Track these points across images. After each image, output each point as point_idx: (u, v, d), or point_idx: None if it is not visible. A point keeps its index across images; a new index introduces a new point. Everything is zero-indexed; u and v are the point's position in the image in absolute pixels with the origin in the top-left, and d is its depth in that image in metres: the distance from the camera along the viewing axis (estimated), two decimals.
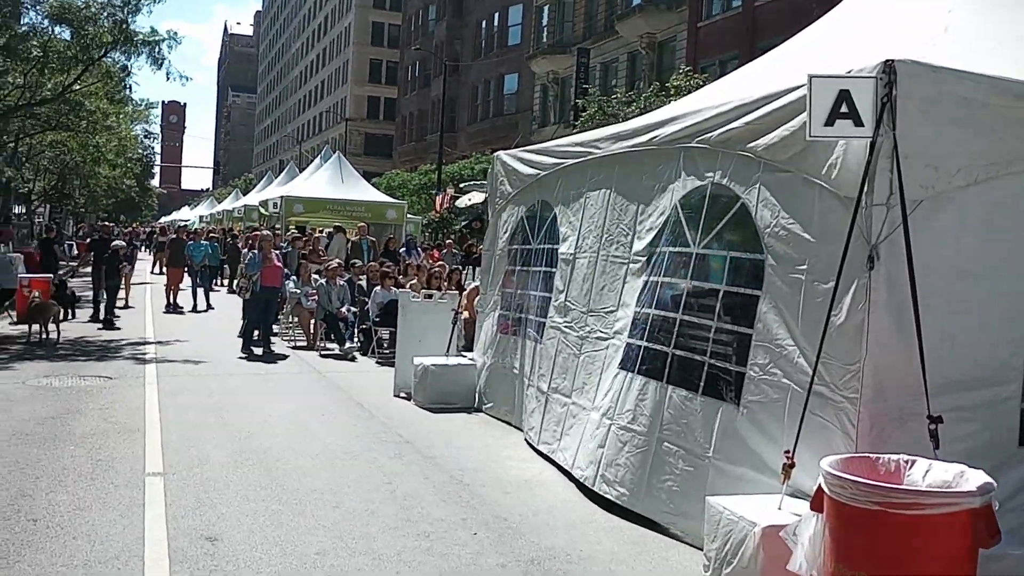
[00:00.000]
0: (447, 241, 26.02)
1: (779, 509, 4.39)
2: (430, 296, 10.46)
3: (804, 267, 4.72)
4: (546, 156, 8.32)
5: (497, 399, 8.62)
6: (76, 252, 31.59)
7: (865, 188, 4.32)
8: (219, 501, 5.62)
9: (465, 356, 9.83)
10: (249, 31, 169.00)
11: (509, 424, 8.17)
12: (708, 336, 5.26)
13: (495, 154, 9.63)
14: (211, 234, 23.15)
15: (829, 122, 4.31)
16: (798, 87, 4.65)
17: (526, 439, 7.57)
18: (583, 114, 28.75)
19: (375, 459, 6.86)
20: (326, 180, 24.76)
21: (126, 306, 16.63)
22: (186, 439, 7.20)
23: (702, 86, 22.92)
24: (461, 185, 39.54)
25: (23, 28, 15.13)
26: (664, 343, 5.58)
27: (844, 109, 4.29)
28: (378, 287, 12.86)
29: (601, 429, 6.03)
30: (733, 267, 5.22)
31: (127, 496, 5.65)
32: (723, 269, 5.26)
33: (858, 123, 4.31)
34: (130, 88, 19.63)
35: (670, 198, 5.89)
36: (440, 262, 16.97)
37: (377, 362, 12.20)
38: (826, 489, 3.73)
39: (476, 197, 37.35)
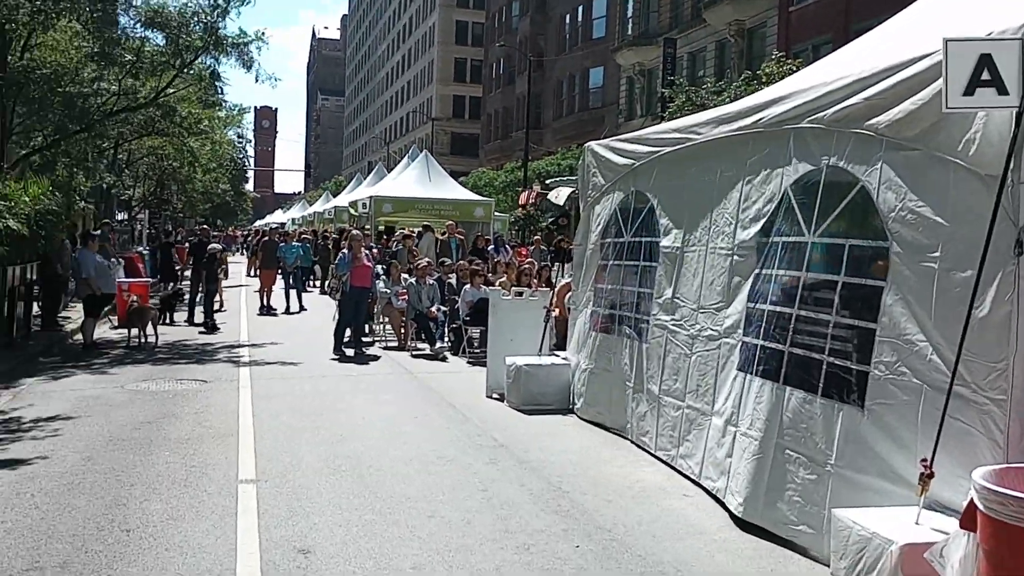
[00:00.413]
0: (535, 238, 25.82)
1: (917, 524, 3.95)
2: (520, 294, 10.19)
3: (937, 254, 4.24)
4: (641, 145, 7.94)
5: (593, 400, 8.28)
6: (176, 257, 32.73)
7: (1011, 164, 3.83)
8: (312, 510, 5.48)
9: (558, 355, 9.54)
10: (336, 35, 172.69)
11: (606, 427, 7.83)
12: (826, 332, 4.81)
13: (586, 145, 9.29)
14: (303, 236, 23.52)
15: (968, 91, 3.84)
16: (928, 55, 4.18)
17: (635, 443, 7.22)
18: (671, 105, 28.09)
19: (470, 464, 6.63)
20: (414, 179, 24.87)
21: (220, 308, 16.96)
22: (279, 444, 7.14)
23: (795, 72, 22.06)
24: (547, 181, 39.31)
25: (115, 33, 15.59)
26: (779, 341, 5.15)
27: (986, 76, 3.82)
28: (468, 285, 12.70)
29: (727, 437, 5.64)
30: (853, 256, 4.75)
31: (220, 504, 5.57)
32: (841, 259, 4.80)
33: (1002, 91, 3.83)
34: (221, 91, 20.00)
35: (779, 184, 5.44)
36: (529, 259, 16.72)
37: (468, 362, 12.03)
38: (980, 505, 3.28)
39: (562, 193, 37.12)
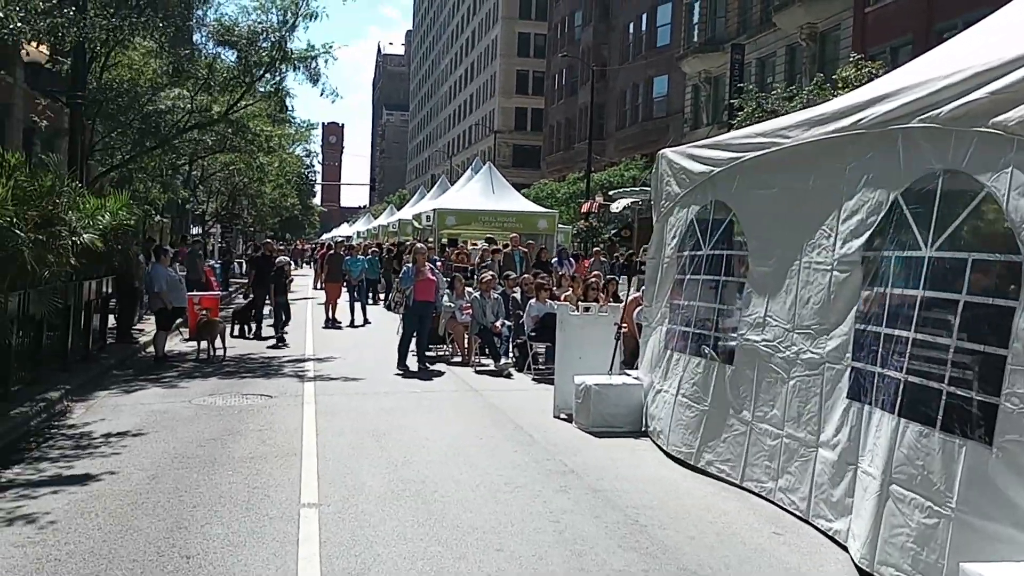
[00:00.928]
0: (594, 250, 25.37)
1: None
2: (588, 309, 9.78)
3: None
4: (721, 151, 7.49)
5: (669, 424, 7.79)
6: (245, 271, 33.25)
7: None
8: (375, 539, 5.17)
9: (628, 374, 9.10)
10: (401, 51, 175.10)
11: (682, 453, 7.36)
12: (945, 358, 4.29)
13: (660, 153, 8.86)
14: (371, 249, 23.51)
15: None
16: None
17: (715, 473, 6.74)
18: (739, 113, 27.41)
19: (540, 492, 6.25)
20: (478, 191, 24.68)
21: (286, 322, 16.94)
22: (342, 465, 6.87)
23: (875, 76, 21.21)
24: (610, 192, 38.80)
25: (188, 51, 15.81)
26: (894, 367, 4.64)
27: None
28: (533, 300, 12.33)
29: (844, 473, 5.13)
30: (977, 272, 4.24)
31: (281, 530, 5.31)
32: (963, 275, 4.28)
33: None
34: (291, 108, 20.21)
35: (887, 191, 4.94)
36: (595, 272, 16.29)
37: (533, 379, 11.66)
38: None
39: (625, 204, 36.56)
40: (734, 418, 6.75)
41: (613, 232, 36.72)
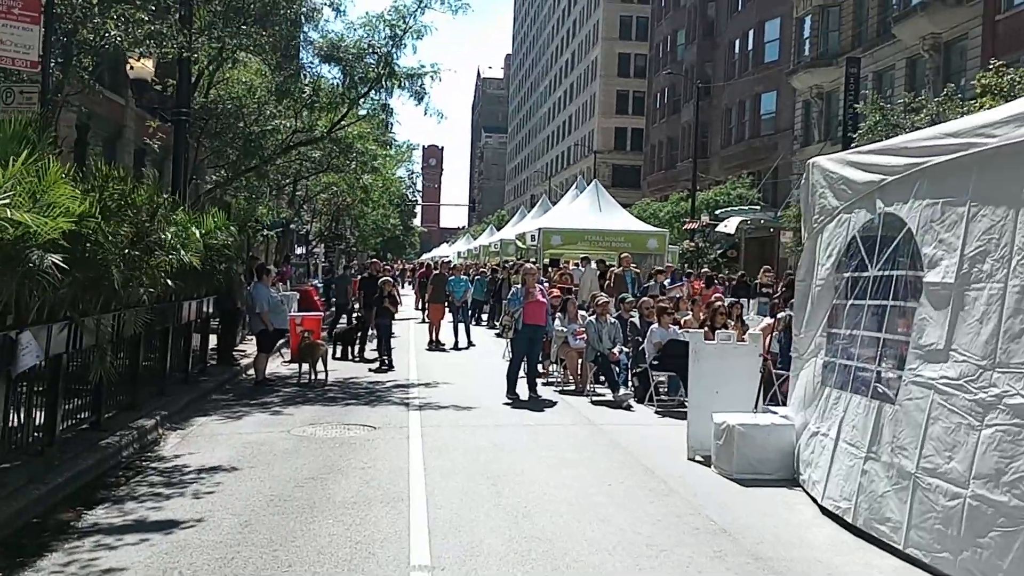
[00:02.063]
0: (703, 271, 24.02)
1: None
2: (728, 338, 8.70)
3: None
4: (894, 156, 6.40)
5: (827, 474, 6.66)
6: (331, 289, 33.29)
7: None
8: None
9: (775, 412, 7.99)
10: (500, 74, 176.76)
11: (841, 509, 6.20)
12: None
13: (810, 161, 7.79)
14: (481, 269, 22.87)
15: None
16: None
17: (877, 535, 5.62)
18: (861, 125, 25.77)
19: (690, 558, 5.25)
20: (585, 210, 23.74)
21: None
22: (456, 516, 6.03)
23: (1019, 83, 19.33)
24: (717, 212, 37.29)
25: (294, 69, 15.53)
26: None
27: None
28: (655, 325, 11.30)
29: None
30: None
31: None
32: None
33: None
34: (392, 126, 19.75)
35: None
36: (718, 295, 15.11)
37: (656, 412, 10.63)
38: None
39: (732, 223, 35.03)
40: (893, 469, 5.68)
41: (719, 252, 35.32)
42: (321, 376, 12.41)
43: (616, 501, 6.52)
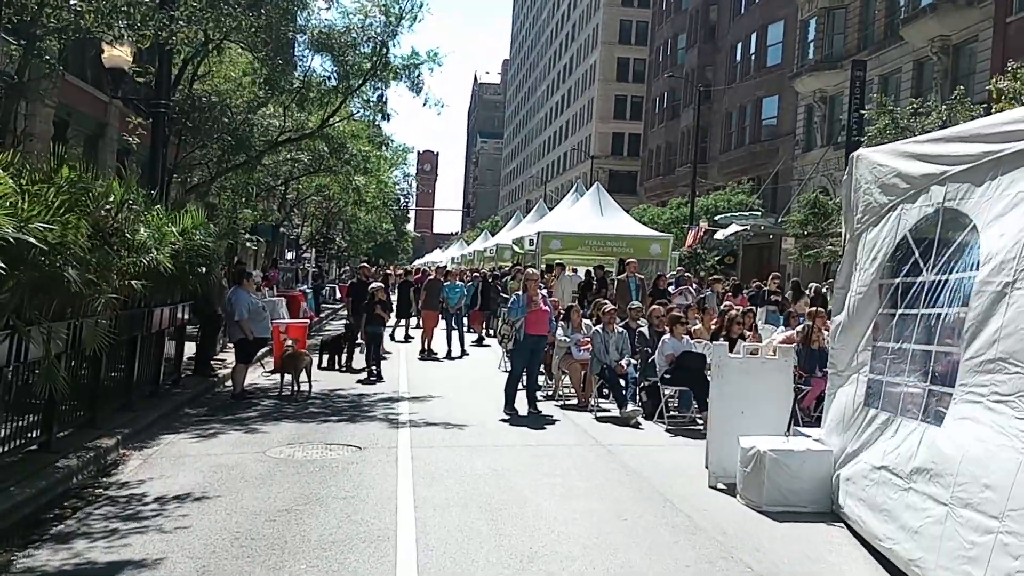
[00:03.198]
0: (712, 278, 23.15)
1: None
2: (755, 352, 7.84)
3: None
4: (959, 144, 5.62)
5: (868, 507, 5.80)
6: (338, 296, 32.34)
7: None
8: None
9: (807, 435, 7.15)
10: (496, 79, 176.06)
11: (884, 547, 5.36)
12: None
13: (854, 154, 6.97)
14: (475, 274, 21.99)
15: None
16: None
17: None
18: (868, 129, 25.04)
19: None
20: (585, 213, 22.85)
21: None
22: (449, 559, 5.16)
23: None
24: (716, 217, 36.49)
25: (281, 61, 14.61)
26: None
27: None
28: (667, 335, 10.44)
29: None
30: None
31: None
32: None
33: None
34: (390, 116, 18.62)
35: None
36: (729, 303, 14.24)
37: (667, 430, 9.77)
38: None
39: (732, 230, 34.26)
40: (930, 500, 4.96)
41: (716, 259, 34.60)
42: (304, 388, 11.52)
43: (635, 541, 5.65)
